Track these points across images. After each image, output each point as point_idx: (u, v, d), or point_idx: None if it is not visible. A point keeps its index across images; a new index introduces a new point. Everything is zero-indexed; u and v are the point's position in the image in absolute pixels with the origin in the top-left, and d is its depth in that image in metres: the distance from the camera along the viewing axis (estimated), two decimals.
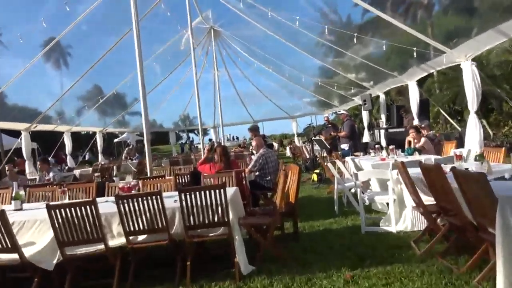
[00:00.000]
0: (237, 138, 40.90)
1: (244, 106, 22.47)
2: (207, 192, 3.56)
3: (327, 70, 15.25)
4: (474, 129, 7.99)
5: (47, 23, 10.84)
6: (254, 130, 7.61)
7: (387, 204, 5.42)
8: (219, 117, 18.83)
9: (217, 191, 3.55)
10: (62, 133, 15.76)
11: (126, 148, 18.85)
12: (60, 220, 3.47)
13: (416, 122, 10.80)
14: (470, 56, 7.87)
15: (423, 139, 7.22)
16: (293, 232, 4.92)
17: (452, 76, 15.70)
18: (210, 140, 25.27)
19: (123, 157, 18.02)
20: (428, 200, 4.16)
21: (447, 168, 4.08)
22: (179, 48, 16.62)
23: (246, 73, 20.91)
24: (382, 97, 13.54)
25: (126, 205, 3.55)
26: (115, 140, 33.94)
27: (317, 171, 10.13)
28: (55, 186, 5.26)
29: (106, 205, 3.93)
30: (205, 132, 34.53)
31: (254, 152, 6.83)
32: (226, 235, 3.66)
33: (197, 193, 3.55)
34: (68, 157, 16.01)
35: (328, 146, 9.67)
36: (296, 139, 21.68)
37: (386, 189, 5.56)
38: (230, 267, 3.76)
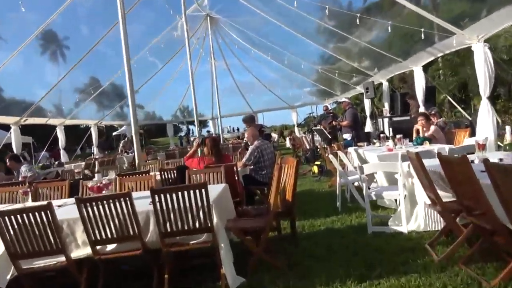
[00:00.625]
0: (238, 129, 40.28)
1: (243, 96, 21.81)
2: (186, 192, 2.96)
3: (329, 56, 14.57)
4: (486, 116, 7.37)
5: (42, 14, 10.46)
6: (249, 121, 7.02)
7: (396, 200, 4.84)
8: (217, 108, 18.27)
9: (198, 191, 2.95)
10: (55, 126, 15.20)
11: (122, 141, 18.23)
12: (10, 229, 2.89)
13: (422, 109, 10.18)
14: (482, 37, 7.22)
15: (432, 127, 6.59)
16: (290, 233, 4.33)
17: (457, 62, 14.99)
18: (208, 132, 24.69)
19: (119, 151, 17.47)
20: (444, 196, 3.57)
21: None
22: (174, 37, 15.94)
23: (244, 62, 20.25)
24: (385, 84, 12.86)
25: (90, 209, 2.96)
26: (114, 133, 33.37)
27: (318, 162, 9.54)
28: (26, 185, 4.67)
29: (71, 209, 3.33)
30: (204, 124, 33.92)
31: (249, 143, 6.23)
32: (210, 243, 3.07)
33: (174, 194, 2.95)
34: (62, 151, 15.44)
35: (329, 136, 9.05)
36: (296, 129, 21.06)
37: (394, 183, 4.96)
38: (216, 280, 3.19)
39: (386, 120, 11.51)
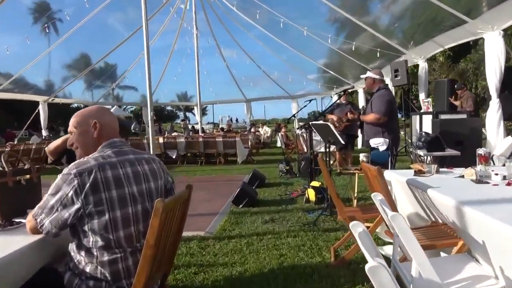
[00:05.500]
0: (237, 120, 35.92)
1: (235, 81, 17.43)
2: None
3: (346, 26, 9.98)
4: None
5: None
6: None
7: None
8: (203, 92, 14.01)
9: None
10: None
11: None
12: None
13: (496, 105, 5.80)
14: None
15: None
16: None
17: None
18: (183, 120, 20.17)
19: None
20: None
21: None
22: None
23: (236, 38, 15.89)
24: (423, 66, 8.40)
25: None
26: None
27: (316, 183, 5.23)
28: None
29: None
30: (204, 111, 29.55)
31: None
32: None
33: None
34: None
35: (340, 139, 4.53)
36: (296, 124, 16.61)
37: None
38: None
39: (427, 118, 7.07)
